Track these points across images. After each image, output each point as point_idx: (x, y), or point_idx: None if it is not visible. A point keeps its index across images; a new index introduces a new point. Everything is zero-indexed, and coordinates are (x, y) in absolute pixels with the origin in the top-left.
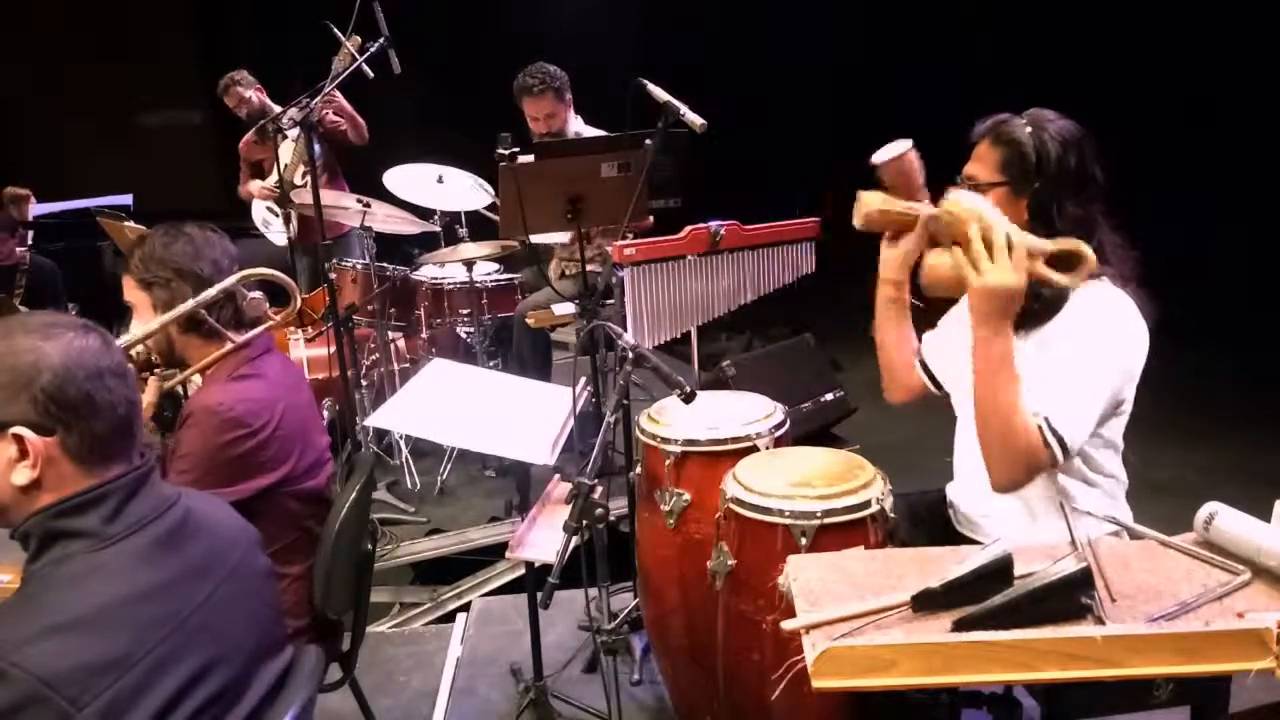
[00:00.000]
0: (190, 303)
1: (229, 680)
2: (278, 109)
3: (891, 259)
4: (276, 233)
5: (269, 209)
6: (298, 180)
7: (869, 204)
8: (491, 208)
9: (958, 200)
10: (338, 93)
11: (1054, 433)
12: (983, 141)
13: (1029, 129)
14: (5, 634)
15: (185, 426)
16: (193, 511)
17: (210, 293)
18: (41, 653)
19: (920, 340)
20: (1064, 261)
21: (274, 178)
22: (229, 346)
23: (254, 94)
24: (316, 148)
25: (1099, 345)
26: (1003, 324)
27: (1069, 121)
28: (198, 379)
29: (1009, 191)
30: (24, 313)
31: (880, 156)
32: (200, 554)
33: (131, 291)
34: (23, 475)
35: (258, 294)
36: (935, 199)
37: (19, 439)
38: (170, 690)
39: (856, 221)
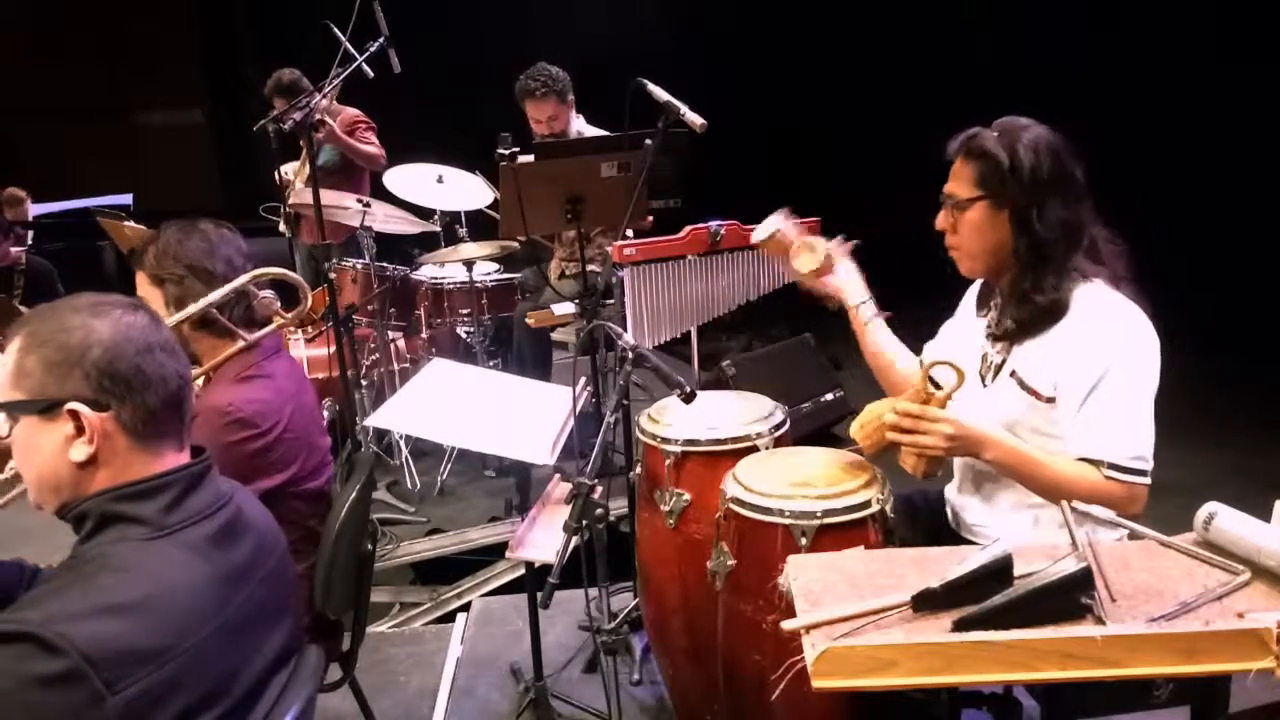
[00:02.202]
0: (204, 301)
1: (249, 688)
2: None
3: (851, 285)
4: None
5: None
6: (299, 184)
7: (770, 223)
8: (493, 206)
9: (857, 432)
10: (364, 131)
11: (1123, 470)
12: (957, 158)
13: (1000, 140)
14: (57, 606)
15: (193, 426)
16: (242, 511)
17: (223, 291)
18: (90, 631)
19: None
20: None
21: (292, 168)
22: (240, 345)
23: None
24: (333, 152)
25: (1130, 363)
26: (988, 439)
27: (1042, 127)
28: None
29: (988, 205)
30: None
31: (759, 235)
32: (245, 555)
33: (144, 288)
34: (80, 452)
35: (269, 293)
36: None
37: (75, 415)
38: (196, 694)
39: (755, 237)
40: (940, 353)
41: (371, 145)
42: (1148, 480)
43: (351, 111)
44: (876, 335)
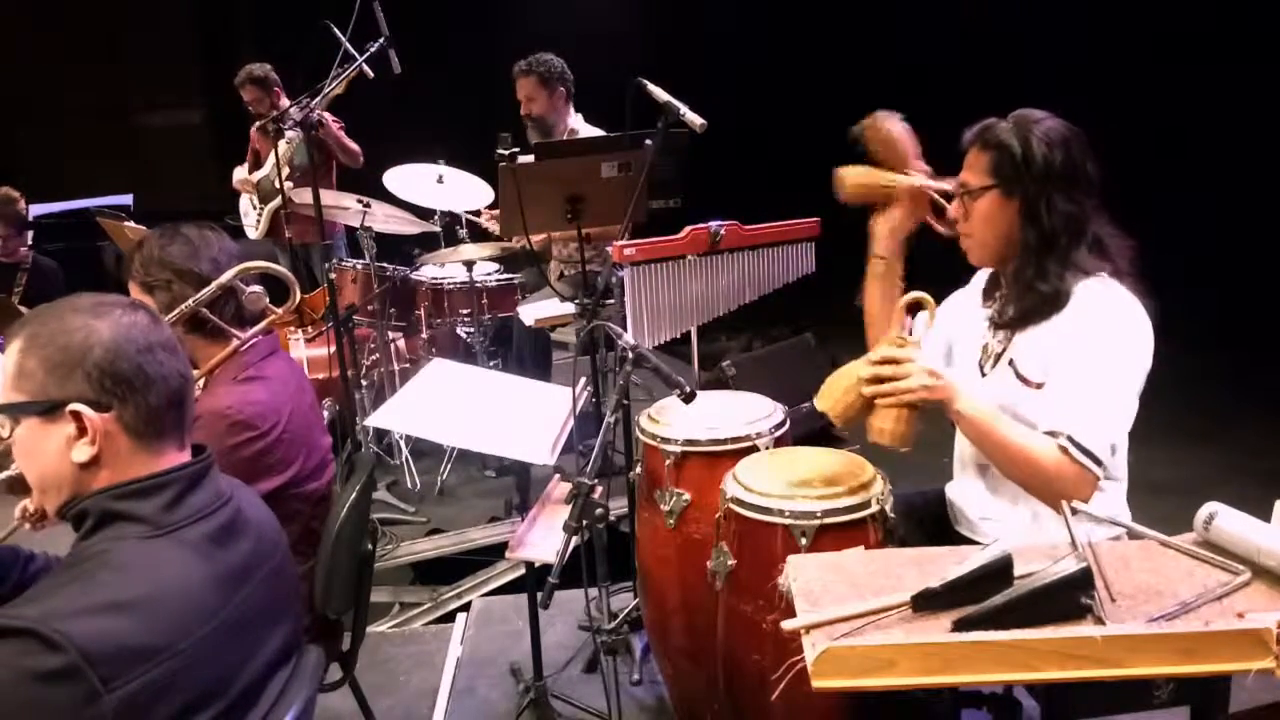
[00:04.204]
0: (189, 301)
1: (248, 687)
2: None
3: (881, 233)
4: (249, 226)
5: (249, 200)
6: (278, 183)
7: (847, 177)
8: (476, 213)
9: (823, 399)
10: (339, 130)
11: (1081, 449)
12: (971, 148)
13: (1014, 130)
14: (56, 603)
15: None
16: (242, 510)
17: (209, 289)
18: (88, 628)
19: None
20: (915, 306)
21: (262, 172)
22: (235, 344)
23: (270, 97)
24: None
25: (1114, 349)
26: (962, 389)
27: (1056, 120)
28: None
29: (999, 194)
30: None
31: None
32: (244, 554)
33: (138, 296)
34: (83, 452)
35: (257, 288)
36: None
37: (77, 416)
38: (194, 692)
39: (840, 195)
40: (936, 346)
41: (352, 143)
42: (1101, 472)
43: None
44: (876, 290)
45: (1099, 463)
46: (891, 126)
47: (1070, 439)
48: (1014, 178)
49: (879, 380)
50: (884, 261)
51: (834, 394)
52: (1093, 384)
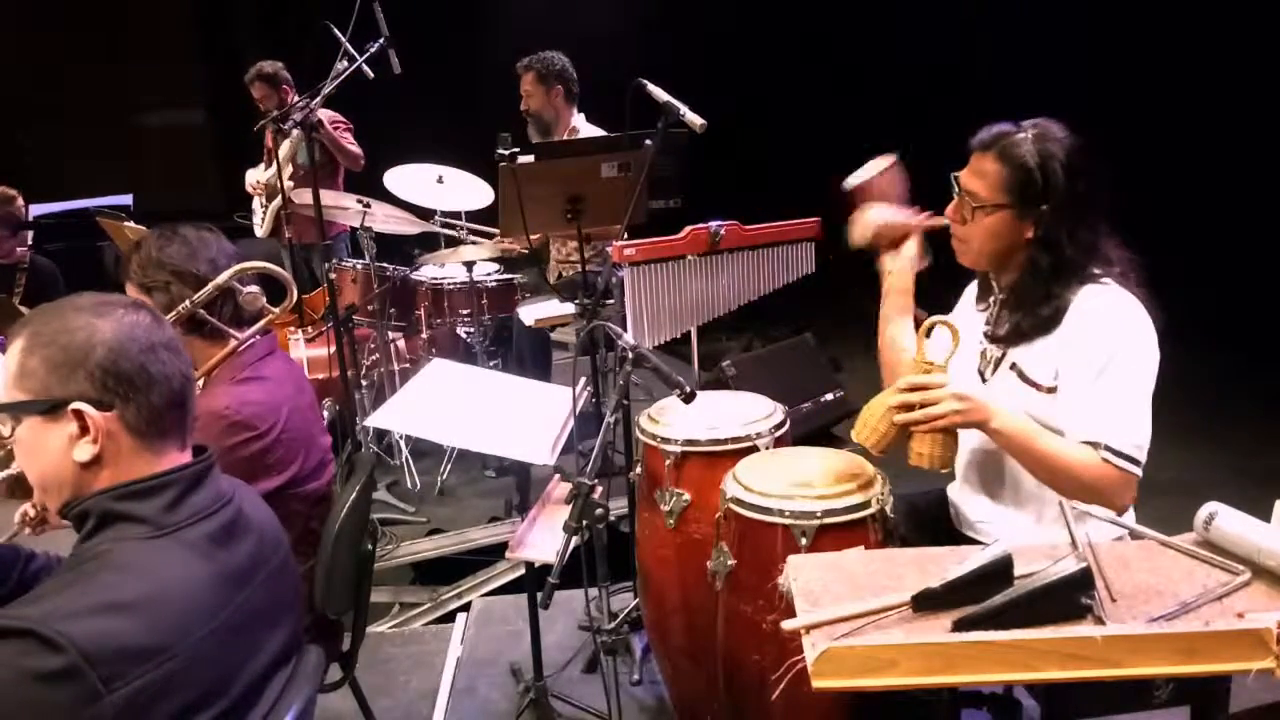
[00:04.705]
0: (187, 302)
1: (248, 687)
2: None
3: (901, 270)
4: (256, 225)
5: (259, 200)
6: (279, 183)
7: (871, 221)
8: (472, 216)
9: (859, 431)
10: (339, 131)
11: (1120, 455)
12: (986, 154)
13: (1036, 150)
14: (57, 604)
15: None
16: (243, 510)
17: (206, 289)
18: (89, 628)
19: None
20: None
21: (270, 171)
22: (233, 345)
23: (279, 94)
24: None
25: (1130, 352)
26: (994, 406)
27: (1074, 138)
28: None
29: (1012, 214)
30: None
31: (857, 178)
32: (245, 555)
33: (136, 297)
34: (85, 451)
35: (254, 288)
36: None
37: (79, 415)
38: (194, 693)
39: (855, 239)
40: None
41: (354, 145)
42: (1140, 472)
43: (328, 112)
44: (896, 329)
45: (1137, 464)
46: (882, 177)
47: (1109, 448)
48: (1031, 202)
49: (909, 408)
50: (904, 293)
51: (868, 425)
52: (1117, 390)
